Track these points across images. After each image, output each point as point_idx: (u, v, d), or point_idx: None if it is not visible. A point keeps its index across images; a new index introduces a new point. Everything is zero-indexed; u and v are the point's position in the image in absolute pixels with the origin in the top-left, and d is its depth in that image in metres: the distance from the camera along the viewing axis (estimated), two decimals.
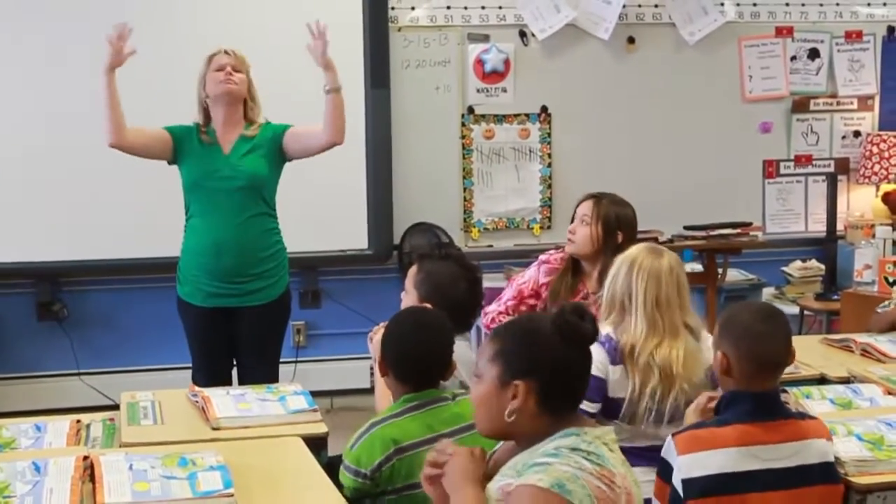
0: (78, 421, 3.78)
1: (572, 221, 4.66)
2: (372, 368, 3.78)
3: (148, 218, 6.40)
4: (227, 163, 4.93)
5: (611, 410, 3.66)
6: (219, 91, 4.93)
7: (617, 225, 4.60)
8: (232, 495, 3.01)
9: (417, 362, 3.33)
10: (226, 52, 4.99)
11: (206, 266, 4.95)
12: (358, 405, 6.28)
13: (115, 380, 6.53)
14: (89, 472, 3.14)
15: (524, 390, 2.55)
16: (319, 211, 6.58)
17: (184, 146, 4.98)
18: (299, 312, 6.80)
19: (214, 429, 3.67)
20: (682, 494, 3.03)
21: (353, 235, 6.68)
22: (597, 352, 3.50)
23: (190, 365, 6.47)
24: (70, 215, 6.38)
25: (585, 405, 3.52)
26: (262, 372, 4.90)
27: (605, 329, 3.66)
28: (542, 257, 4.74)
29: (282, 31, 6.47)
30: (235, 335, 5.04)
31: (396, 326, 3.42)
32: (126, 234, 6.43)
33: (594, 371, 3.51)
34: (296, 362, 6.67)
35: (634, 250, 3.78)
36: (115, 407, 4.15)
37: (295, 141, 5.03)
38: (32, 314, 6.61)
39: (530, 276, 4.70)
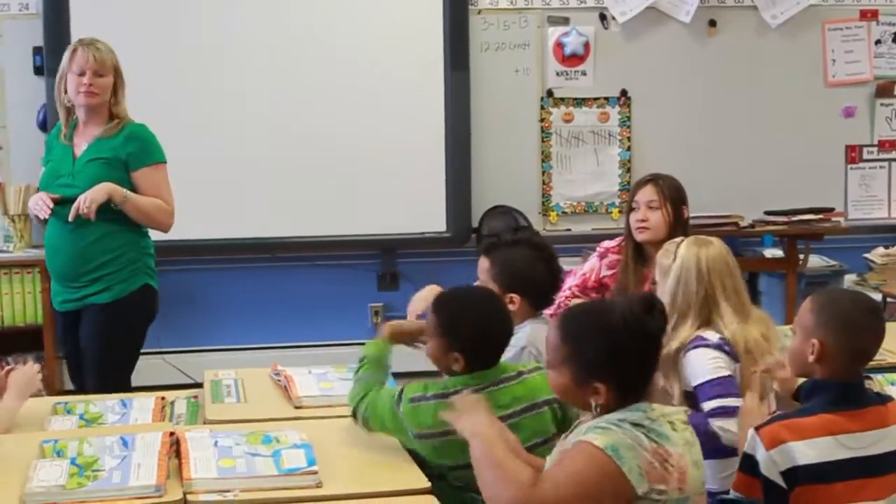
0: (163, 398, 3.86)
1: (630, 210, 4.62)
2: None
3: (232, 200, 6.49)
4: (72, 169, 4.68)
5: None
6: (78, 101, 4.68)
7: (682, 201, 4.59)
8: (316, 473, 3.05)
9: (488, 341, 3.32)
10: (88, 49, 4.67)
11: (50, 265, 4.81)
12: None
13: (196, 359, 6.60)
14: (175, 447, 3.20)
15: (603, 389, 2.63)
16: (398, 193, 6.63)
17: (50, 151, 4.83)
18: (377, 294, 6.86)
19: (297, 407, 3.71)
20: (785, 486, 3.02)
21: (431, 218, 6.70)
22: (715, 355, 3.55)
23: (270, 345, 6.60)
24: None
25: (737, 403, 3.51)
26: (94, 381, 4.71)
27: (706, 335, 3.63)
28: (601, 248, 4.72)
29: (360, 12, 6.53)
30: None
31: (462, 311, 3.39)
32: (209, 216, 6.48)
33: (723, 371, 3.52)
34: None
35: (687, 250, 3.71)
36: (197, 385, 4.22)
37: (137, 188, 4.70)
38: None
39: (591, 267, 4.69)
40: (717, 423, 3.45)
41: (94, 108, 4.69)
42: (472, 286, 3.78)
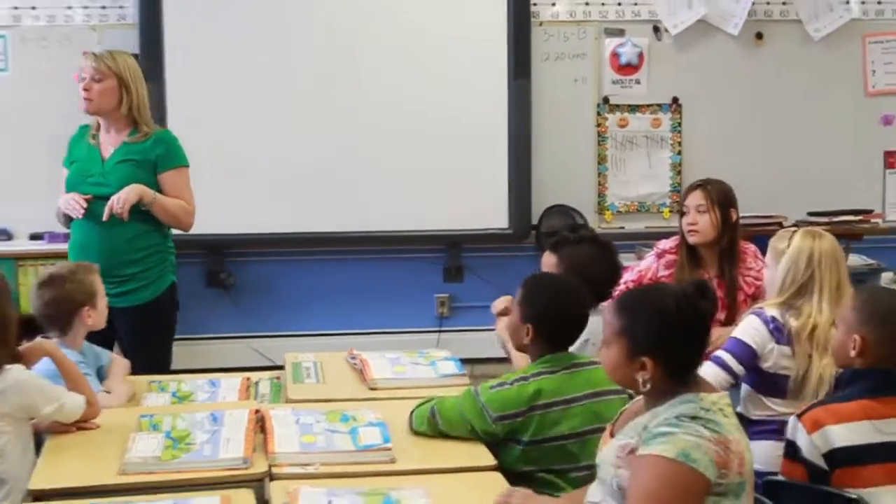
0: (248, 378, 3.90)
1: (682, 215, 4.62)
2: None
3: (313, 195, 6.55)
4: (102, 169, 4.62)
5: (764, 383, 3.68)
6: (80, 107, 4.62)
7: (730, 205, 4.58)
8: (390, 449, 3.09)
9: (562, 323, 3.35)
10: (87, 56, 4.62)
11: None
12: (496, 372, 6.27)
13: (275, 343, 6.64)
14: (260, 424, 3.24)
15: (651, 365, 2.60)
16: (463, 192, 6.63)
17: (73, 151, 4.75)
18: (443, 285, 6.88)
19: (371, 388, 3.75)
20: (827, 468, 3.02)
21: (494, 215, 6.69)
22: (758, 326, 3.56)
23: (343, 331, 6.63)
24: (239, 192, 6.51)
25: (732, 362, 3.57)
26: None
27: (770, 311, 3.66)
28: (659, 249, 4.71)
29: (430, 23, 6.57)
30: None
31: (544, 287, 3.44)
32: (292, 211, 6.55)
33: (748, 339, 3.57)
34: (439, 331, 6.78)
35: (802, 239, 3.76)
36: (278, 367, 4.26)
37: (162, 189, 4.66)
38: (202, 282, 6.76)
39: (649, 266, 4.68)
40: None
41: (105, 114, 4.60)
42: (560, 275, 3.79)
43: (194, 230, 6.35)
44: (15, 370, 3.22)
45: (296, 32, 6.53)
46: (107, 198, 4.48)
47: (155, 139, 4.65)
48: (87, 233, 4.59)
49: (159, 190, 4.61)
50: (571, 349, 3.45)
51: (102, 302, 3.86)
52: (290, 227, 6.55)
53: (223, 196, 6.44)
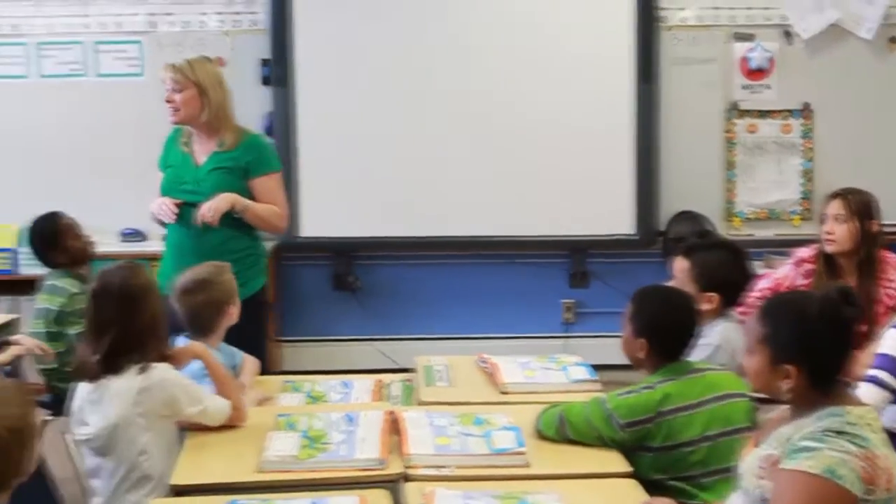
0: (380, 380, 3.92)
1: (822, 223, 4.54)
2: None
3: (442, 201, 6.59)
4: (196, 177, 4.66)
5: None
6: (169, 119, 4.67)
7: (870, 215, 4.49)
8: (524, 453, 3.08)
9: (674, 333, 3.35)
10: (167, 69, 4.65)
11: (173, 264, 4.70)
12: (623, 378, 6.25)
13: (400, 345, 6.69)
14: (394, 425, 3.26)
15: (794, 373, 2.55)
16: (589, 197, 6.60)
17: (168, 154, 4.79)
18: (568, 291, 6.86)
19: (503, 393, 3.73)
20: None
21: (620, 221, 6.64)
22: None
23: (467, 335, 6.64)
24: (367, 196, 6.59)
25: (889, 379, 3.48)
26: None
27: None
28: (797, 257, 4.62)
29: (556, 26, 6.55)
30: None
31: (653, 300, 3.44)
32: (415, 214, 6.60)
33: None
34: (565, 337, 6.76)
35: None
36: (403, 370, 4.29)
37: (254, 194, 4.69)
38: (329, 284, 6.84)
39: (786, 274, 4.60)
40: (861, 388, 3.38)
41: (194, 123, 4.64)
42: (666, 285, 3.76)
43: (322, 233, 6.56)
44: (161, 369, 3.29)
45: (422, 37, 6.58)
46: (200, 205, 4.54)
47: (246, 146, 4.67)
48: (181, 236, 4.66)
49: (251, 195, 4.65)
50: (704, 356, 3.43)
51: (237, 299, 3.91)
52: (417, 231, 6.60)
53: (351, 200, 6.54)
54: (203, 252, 4.49)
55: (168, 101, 4.60)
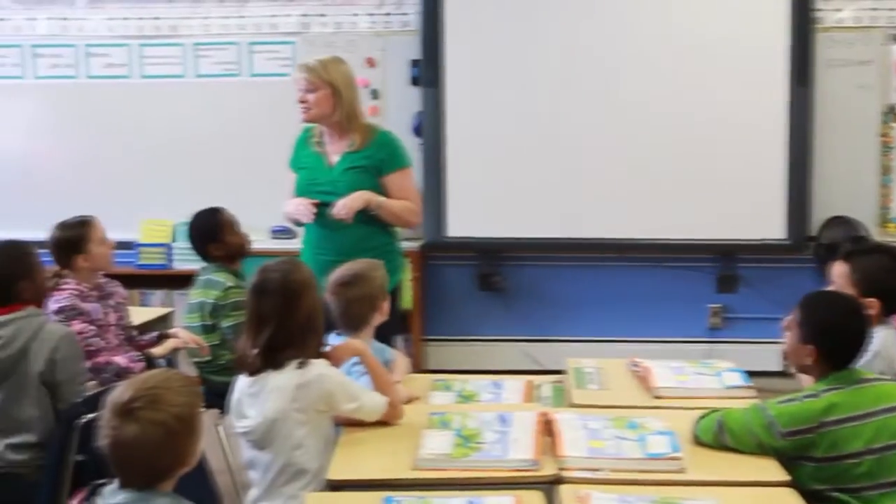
0: (530, 381, 3.91)
1: None
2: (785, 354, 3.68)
3: (581, 201, 6.56)
4: (330, 177, 4.68)
5: None
6: (301, 118, 4.70)
7: None
8: (680, 459, 3.04)
9: (845, 340, 3.25)
10: (300, 69, 4.67)
11: (311, 261, 4.68)
12: (771, 386, 6.13)
13: (544, 347, 6.70)
14: (547, 427, 3.24)
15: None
16: (738, 200, 6.49)
17: (299, 156, 4.81)
18: (716, 296, 6.76)
19: (655, 397, 3.69)
20: None
21: (770, 225, 6.52)
22: None
23: (612, 338, 6.60)
24: (514, 196, 6.61)
25: None
26: None
27: None
28: None
29: (708, 28, 6.48)
30: None
31: (823, 306, 3.34)
32: (561, 215, 6.58)
33: None
34: (711, 342, 6.67)
35: None
36: (548, 371, 4.27)
37: (386, 191, 4.70)
38: (474, 284, 6.87)
39: None
40: None
41: (326, 122, 4.66)
42: (836, 291, 3.68)
43: (468, 233, 6.58)
44: (319, 364, 3.32)
45: (571, 39, 6.55)
46: (329, 204, 4.59)
47: (378, 144, 4.69)
48: (319, 235, 4.71)
49: (384, 191, 4.68)
50: (862, 363, 3.34)
51: (388, 296, 3.93)
52: (563, 233, 6.59)
53: (498, 200, 6.56)
54: (341, 249, 4.54)
55: (301, 101, 4.64)
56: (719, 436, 3.20)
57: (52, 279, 4.21)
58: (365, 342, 3.77)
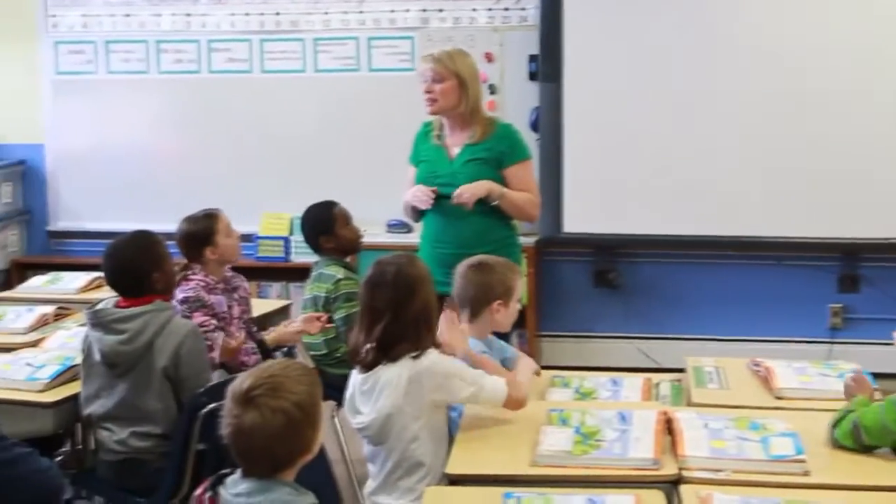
0: (649, 379, 3.87)
1: None
2: None
3: (698, 197, 6.47)
4: (451, 169, 4.67)
5: None
6: (426, 109, 4.69)
7: None
8: (804, 461, 2.98)
9: None
10: (427, 59, 4.68)
11: (431, 254, 4.71)
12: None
13: (658, 345, 6.65)
14: (667, 426, 3.20)
15: None
16: (862, 198, 6.33)
17: (419, 150, 4.81)
18: (837, 295, 6.62)
19: (777, 398, 3.63)
20: None
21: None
22: None
23: (729, 337, 6.51)
24: (628, 192, 6.54)
25: None
26: None
27: None
28: None
29: (842, 23, 6.34)
30: None
31: None
32: (679, 212, 6.50)
33: None
34: (831, 343, 6.54)
35: None
36: (663, 370, 4.23)
37: (507, 183, 4.67)
38: (590, 280, 6.83)
39: None
40: None
41: (450, 114, 4.66)
42: None
43: (585, 229, 6.53)
44: (431, 354, 3.31)
45: (695, 33, 6.45)
46: (448, 197, 4.60)
47: (498, 136, 4.69)
48: (438, 226, 4.72)
49: (504, 184, 4.66)
50: None
51: (515, 306, 3.84)
52: (681, 230, 6.51)
53: (615, 196, 6.54)
54: (461, 242, 4.57)
55: (427, 92, 4.64)
56: (857, 436, 3.12)
57: (180, 271, 4.28)
58: (482, 336, 3.75)
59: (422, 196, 4.64)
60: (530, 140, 6.20)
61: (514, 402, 3.39)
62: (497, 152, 4.66)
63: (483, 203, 4.60)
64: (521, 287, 3.96)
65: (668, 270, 6.76)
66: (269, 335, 4.63)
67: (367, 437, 3.37)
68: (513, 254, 4.70)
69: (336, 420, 4.78)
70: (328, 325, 4.79)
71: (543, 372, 3.98)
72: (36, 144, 7.36)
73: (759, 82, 6.36)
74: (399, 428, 3.28)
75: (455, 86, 4.62)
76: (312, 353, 4.94)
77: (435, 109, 4.67)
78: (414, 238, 6.31)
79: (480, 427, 3.36)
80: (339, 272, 4.88)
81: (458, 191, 4.56)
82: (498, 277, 3.76)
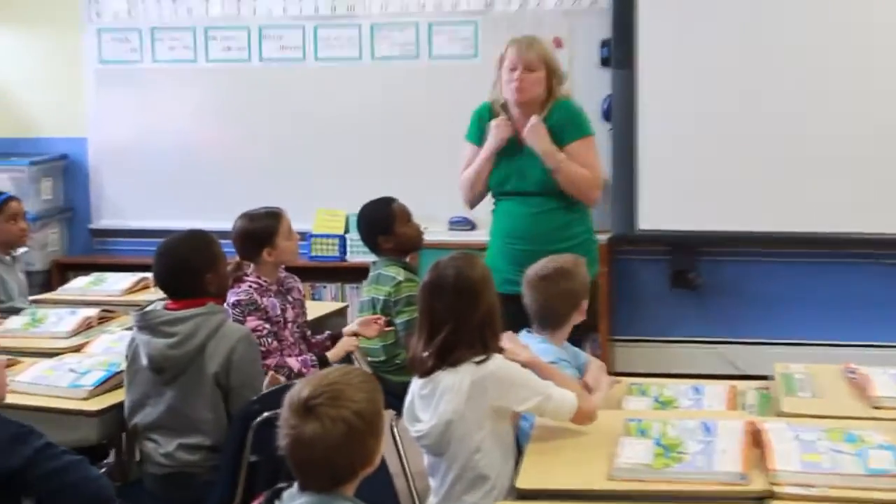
0: (733, 387, 3.82)
1: None
2: None
3: (785, 191, 6.39)
4: (521, 156, 4.74)
5: None
6: (510, 98, 4.74)
7: None
8: None
9: None
10: (518, 45, 4.72)
11: (502, 250, 4.76)
12: None
13: (742, 350, 6.58)
14: (755, 437, 3.16)
15: None
16: None
17: (479, 129, 4.86)
18: None
19: (874, 407, 3.56)
20: None
21: None
22: None
23: (820, 341, 6.42)
24: (710, 185, 6.47)
25: None
26: None
27: None
28: None
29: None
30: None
31: None
32: (764, 206, 6.42)
33: None
34: None
35: None
36: (752, 376, 4.17)
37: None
38: (667, 281, 6.78)
39: None
40: None
41: (528, 105, 4.71)
42: None
43: (662, 226, 6.48)
44: (497, 359, 3.30)
45: (777, 16, 6.37)
46: (522, 193, 4.71)
47: (557, 110, 4.75)
48: (513, 221, 4.76)
49: None
50: None
51: (584, 304, 3.85)
52: (765, 226, 6.43)
53: (694, 190, 6.45)
54: (538, 238, 4.61)
55: (518, 81, 4.67)
56: None
57: (232, 272, 4.27)
58: (559, 343, 3.73)
59: (503, 125, 4.71)
60: (602, 130, 6.20)
61: (583, 416, 3.35)
62: (557, 127, 4.72)
63: (564, 198, 4.64)
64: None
65: (752, 269, 6.70)
66: (332, 352, 4.59)
67: (427, 447, 3.36)
68: (591, 251, 4.71)
69: (395, 430, 4.76)
70: (387, 329, 4.77)
71: (619, 379, 3.95)
72: (78, 138, 7.44)
73: (854, 65, 6.26)
74: (460, 436, 3.27)
75: (544, 76, 4.70)
76: (370, 359, 4.92)
77: (525, 99, 4.71)
78: (478, 236, 6.34)
79: (553, 438, 3.33)
80: (399, 273, 4.86)
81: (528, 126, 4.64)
82: (576, 280, 3.77)
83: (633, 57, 6.45)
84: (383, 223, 4.97)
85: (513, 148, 4.77)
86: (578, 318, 3.79)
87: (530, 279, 3.77)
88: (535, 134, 4.67)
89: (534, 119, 4.68)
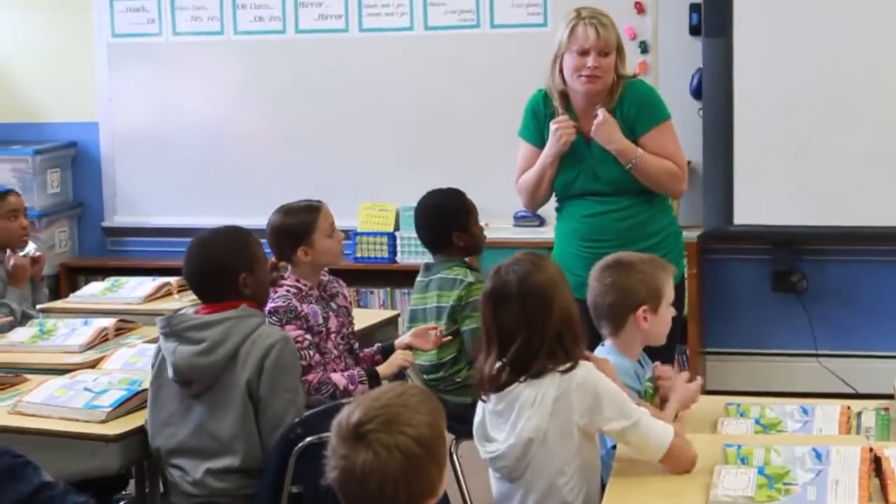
0: (848, 407, 3.82)
1: None
2: None
3: None
4: (590, 155, 4.71)
5: None
6: (576, 86, 4.65)
7: None
8: None
9: None
10: (591, 24, 4.61)
11: (575, 254, 4.73)
12: None
13: (855, 364, 6.57)
14: (874, 465, 3.16)
15: None
16: None
17: (535, 123, 4.82)
18: None
19: None
20: None
21: None
22: None
23: None
24: (817, 174, 6.47)
25: None
26: None
27: None
28: None
29: None
30: None
31: None
32: (880, 199, 6.41)
33: None
34: None
35: None
36: (863, 396, 4.17)
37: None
38: (767, 285, 6.78)
39: None
40: None
41: (596, 94, 4.68)
42: None
43: (761, 220, 6.47)
44: (585, 368, 3.29)
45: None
46: (594, 193, 4.70)
47: (628, 97, 4.72)
48: (587, 222, 4.75)
49: None
50: None
51: (667, 311, 3.80)
52: (882, 221, 6.41)
53: (799, 180, 6.43)
54: (619, 237, 4.61)
55: (592, 67, 4.61)
56: None
57: (272, 273, 4.28)
58: (632, 356, 3.72)
59: (565, 124, 4.66)
60: (691, 109, 6.19)
61: (678, 460, 3.29)
62: (629, 118, 4.70)
63: (643, 192, 4.66)
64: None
65: (865, 271, 6.71)
66: (382, 367, 4.57)
67: (502, 470, 3.36)
68: (677, 246, 4.73)
69: (455, 457, 4.78)
70: (445, 340, 4.78)
71: (712, 398, 3.95)
72: (89, 123, 7.52)
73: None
74: (542, 458, 3.27)
75: (614, 60, 4.66)
76: (426, 376, 4.93)
77: (598, 87, 4.67)
78: (548, 233, 6.34)
79: (639, 466, 3.34)
80: (466, 275, 4.87)
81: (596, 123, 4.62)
82: (640, 277, 3.70)
83: (729, 24, 6.44)
84: (459, 217, 4.98)
85: (579, 145, 4.74)
86: (646, 326, 3.71)
87: (593, 271, 3.77)
88: (606, 131, 4.64)
89: (602, 113, 4.65)
